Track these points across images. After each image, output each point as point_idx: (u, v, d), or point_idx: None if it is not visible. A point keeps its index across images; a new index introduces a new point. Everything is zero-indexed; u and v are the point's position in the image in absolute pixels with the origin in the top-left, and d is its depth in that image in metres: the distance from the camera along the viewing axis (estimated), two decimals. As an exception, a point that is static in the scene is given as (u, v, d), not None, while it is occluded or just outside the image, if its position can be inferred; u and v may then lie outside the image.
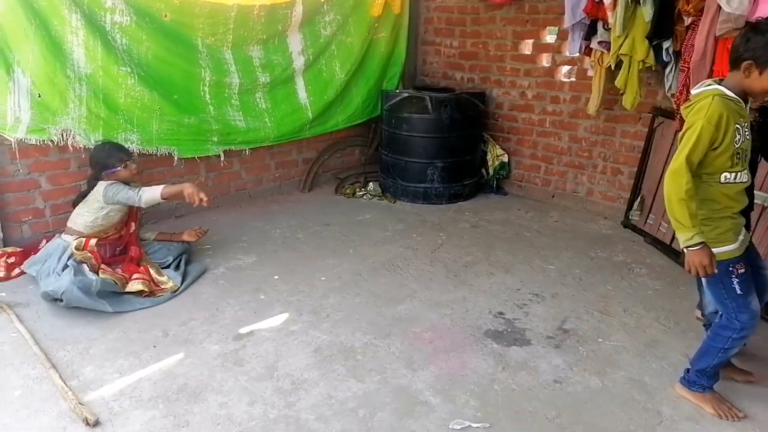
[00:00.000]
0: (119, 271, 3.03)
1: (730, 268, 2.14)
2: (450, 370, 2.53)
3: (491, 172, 5.15)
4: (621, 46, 3.84)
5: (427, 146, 4.76)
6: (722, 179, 2.09)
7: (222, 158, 4.33)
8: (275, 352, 2.62)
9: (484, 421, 2.22)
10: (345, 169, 5.38)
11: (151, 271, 3.12)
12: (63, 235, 3.16)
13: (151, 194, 3.13)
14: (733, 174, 2.09)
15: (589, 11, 4.03)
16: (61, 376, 2.35)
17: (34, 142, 3.38)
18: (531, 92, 4.95)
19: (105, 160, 3.18)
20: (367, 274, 3.46)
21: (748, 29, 2.04)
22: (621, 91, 4.02)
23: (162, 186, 3.18)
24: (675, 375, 2.53)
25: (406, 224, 4.34)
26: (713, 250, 2.06)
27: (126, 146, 3.47)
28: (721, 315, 2.25)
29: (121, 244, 3.21)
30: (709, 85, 2.09)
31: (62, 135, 3.45)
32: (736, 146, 2.04)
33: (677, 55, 3.64)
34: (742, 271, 2.15)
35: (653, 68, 3.88)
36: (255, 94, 4.49)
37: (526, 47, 4.91)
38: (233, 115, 4.36)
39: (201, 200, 3.17)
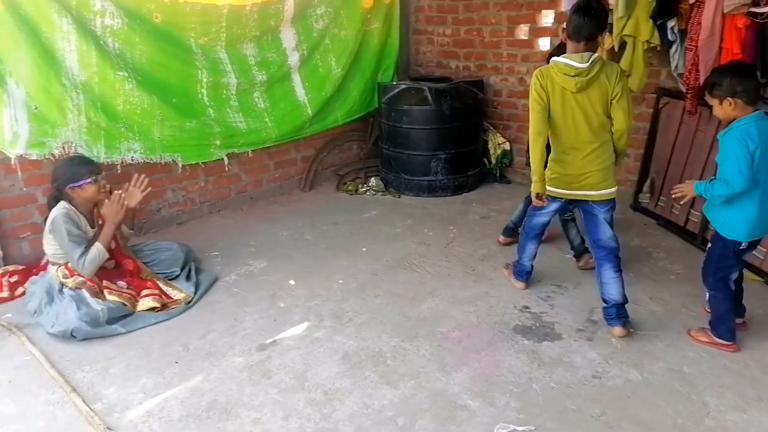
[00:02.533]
0: (125, 288, 2.89)
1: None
2: (485, 371, 2.46)
3: (494, 161, 5.08)
4: (624, 26, 3.78)
5: (429, 138, 4.67)
6: None
7: (226, 162, 4.19)
8: (302, 361, 2.53)
9: (529, 423, 2.15)
10: (344, 165, 5.27)
11: (160, 284, 2.99)
12: (49, 265, 2.95)
13: (94, 260, 2.77)
14: None
15: (590, -7, 3.95)
16: (84, 400, 2.23)
17: (35, 157, 3.22)
18: (530, 78, 4.84)
19: (73, 170, 2.82)
20: (383, 274, 3.37)
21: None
22: (626, 73, 3.95)
23: (97, 242, 2.83)
24: (712, 363, 2.49)
25: (415, 219, 4.26)
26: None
27: (93, 160, 3.13)
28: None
29: (109, 262, 2.96)
30: (591, 54, 2.55)
31: (63, 148, 3.29)
32: None
33: (682, 33, 3.59)
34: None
35: (658, 48, 3.83)
36: (253, 94, 4.36)
37: (522, 32, 4.83)
38: (233, 116, 4.23)
39: (128, 196, 2.94)
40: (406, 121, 4.67)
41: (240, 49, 4.21)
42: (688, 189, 2.53)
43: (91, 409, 2.18)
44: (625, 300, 2.72)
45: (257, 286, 3.22)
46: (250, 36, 4.22)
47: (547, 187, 2.80)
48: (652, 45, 3.80)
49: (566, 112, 2.67)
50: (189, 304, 2.98)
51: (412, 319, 2.88)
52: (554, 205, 2.89)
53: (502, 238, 3.78)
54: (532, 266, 3.15)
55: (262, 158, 4.64)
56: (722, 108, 2.37)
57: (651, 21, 3.65)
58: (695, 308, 2.94)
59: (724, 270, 2.53)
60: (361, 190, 4.89)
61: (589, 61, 2.55)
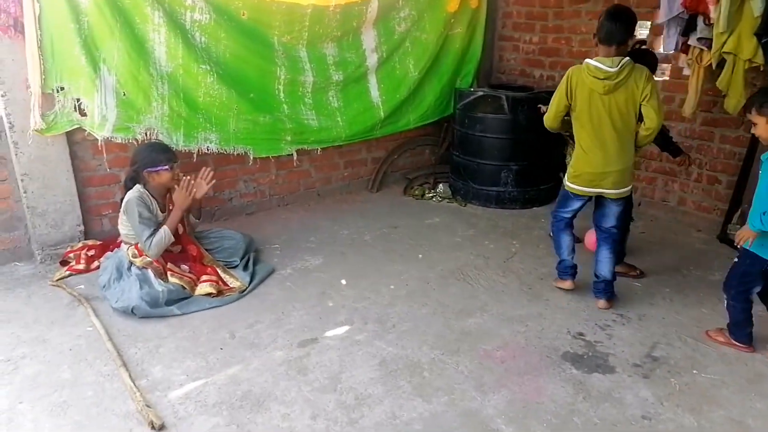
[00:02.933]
0: (188, 272, 3.04)
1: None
2: (524, 396, 2.35)
3: (570, 176, 4.85)
4: (725, 43, 3.46)
5: (501, 148, 4.55)
6: None
7: (295, 157, 4.30)
8: (339, 362, 2.54)
9: (562, 457, 2.03)
10: (414, 170, 5.25)
11: (219, 272, 3.12)
12: (122, 243, 3.16)
13: (160, 242, 2.94)
14: None
15: (689, 5, 3.66)
16: (130, 375, 2.37)
17: (120, 141, 3.46)
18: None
19: (152, 156, 3.00)
20: (435, 283, 3.32)
21: None
22: (723, 93, 3.64)
23: (164, 226, 2.99)
24: (784, 419, 2.24)
25: (477, 230, 4.16)
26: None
27: (171, 147, 3.33)
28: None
29: (175, 247, 3.14)
30: (622, 58, 2.74)
31: (146, 133, 3.51)
32: None
33: (792, 53, 3.24)
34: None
35: (761, 68, 3.49)
36: (328, 93, 4.44)
37: (614, 43, 4.57)
38: (306, 113, 4.33)
39: (193, 186, 3.05)
40: (479, 128, 4.57)
41: (320, 49, 4.30)
42: (747, 233, 2.50)
43: (135, 384, 2.31)
44: (614, 278, 3.07)
45: (309, 282, 3.28)
46: (331, 36, 4.30)
47: (570, 185, 3.03)
48: (754, 64, 3.47)
49: (592, 113, 2.85)
50: (243, 293, 3.08)
51: (456, 332, 2.81)
52: (577, 204, 3.08)
53: None
54: (575, 264, 3.19)
55: (333, 156, 4.72)
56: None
57: (755, 38, 3.33)
58: (774, 356, 2.66)
59: (747, 284, 2.61)
60: (427, 195, 4.85)
61: (619, 66, 2.73)
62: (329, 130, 4.44)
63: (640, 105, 2.80)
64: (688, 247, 3.87)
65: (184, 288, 2.95)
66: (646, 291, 3.27)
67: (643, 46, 3.47)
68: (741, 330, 2.68)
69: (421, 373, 2.48)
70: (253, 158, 4.08)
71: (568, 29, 4.87)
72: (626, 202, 3.08)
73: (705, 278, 3.43)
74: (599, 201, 3.06)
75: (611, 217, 3.03)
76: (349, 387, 2.38)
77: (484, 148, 4.59)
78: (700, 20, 3.69)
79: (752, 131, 2.55)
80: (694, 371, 2.54)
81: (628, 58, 2.77)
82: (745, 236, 2.51)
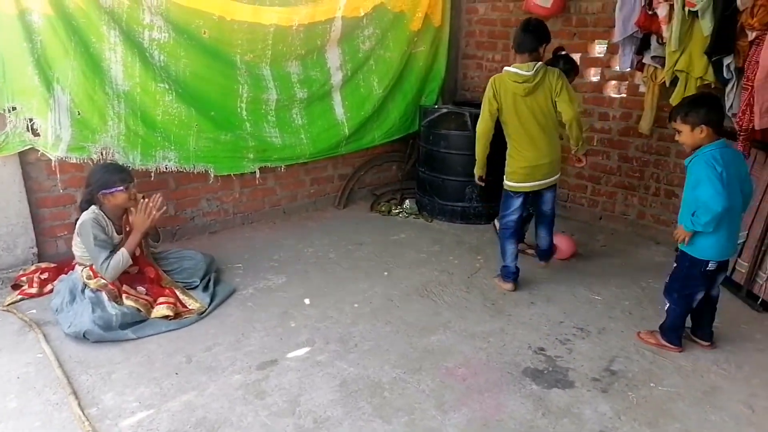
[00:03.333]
0: (144, 294, 2.97)
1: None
2: (484, 414, 2.35)
3: (534, 191, 4.92)
4: (677, 61, 3.59)
5: (465, 164, 4.56)
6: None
7: (258, 175, 4.27)
8: (299, 384, 2.50)
9: (521, 475, 2.03)
10: (381, 186, 5.27)
11: (177, 293, 3.06)
12: (76, 265, 3.08)
13: (117, 265, 2.87)
14: None
15: (642, 24, 3.79)
16: (80, 404, 2.29)
17: (75, 160, 3.38)
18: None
19: (106, 177, 2.93)
20: (399, 300, 3.31)
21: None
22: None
23: (122, 249, 2.93)
24: (736, 428, 2.28)
25: (443, 245, 4.17)
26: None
27: (127, 167, 3.27)
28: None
29: (132, 268, 3.06)
30: (535, 63, 3.11)
31: (102, 153, 3.44)
32: None
33: (739, 71, 3.36)
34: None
35: (712, 86, 3.61)
36: (291, 110, 4.43)
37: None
38: (269, 131, 4.30)
39: (152, 208, 3.00)
40: (444, 145, 4.61)
41: (284, 67, 4.30)
42: (681, 233, 2.66)
43: (84, 413, 2.23)
44: (550, 247, 3.63)
45: (271, 302, 3.23)
46: (295, 54, 4.30)
47: (509, 183, 3.38)
48: (705, 82, 3.59)
49: (519, 114, 3.21)
50: (202, 314, 3.02)
51: (418, 350, 2.80)
52: (518, 201, 3.38)
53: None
54: (517, 267, 3.47)
55: (299, 173, 4.70)
56: (692, 135, 2.57)
57: (706, 57, 3.45)
58: (728, 366, 2.71)
59: (690, 288, 2.71)
60: (394, 211, 4.86)
61: (534, 70, 3.09)
62: (293, 148, 4.42)
63: (554, 102, 3.17)
64: (647, 260, 3.95)
65: (140, 311, 2.88)
66: (605, 304, 3.31)
67: (562, 52, 3.73)
68: (675, 332, 2.80)
69: (381, 393, 2.46)
70: (216, 176, 4.04)
71: (529, 47, 4.96)
72: (556, 188, 3.50)
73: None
74: (536, 193, 3.40)
75: (548, 202, 3.47)
76: (308, 410, 2.34)
77: (448, 164, 4.62)
78: (653, 39, 3.82)
79: (676, 138, 2.68)
80: (651, 384, 2.57)
81: (541, 62, 3.14)
82: (680, 235, 2.66)
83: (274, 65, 4.22)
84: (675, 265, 2.77)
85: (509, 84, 3.17)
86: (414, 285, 3.50)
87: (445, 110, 4.71)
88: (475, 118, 4.50)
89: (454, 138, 4.56)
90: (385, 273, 3.68)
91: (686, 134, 2.58)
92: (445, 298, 3.35)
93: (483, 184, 3.56)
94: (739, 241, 2.90)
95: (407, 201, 4.98)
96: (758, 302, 3.27)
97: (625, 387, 2.55)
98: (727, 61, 3.38)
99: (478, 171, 3.49)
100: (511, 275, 3.45)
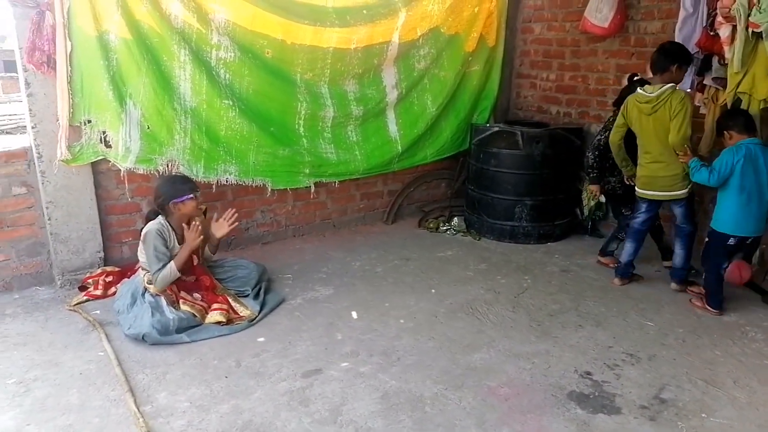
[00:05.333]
0: (200, 300, 3.11)
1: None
2: (525, 435, 2.33)
3: (586, 212, 4.82)
4: (740, 83, 3.47)
5: (516, 183, 4.57)
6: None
7: (312, 189, 4.40)
8: (342, 394, 2.55)
9: (560, 500, 1.99)
10: (430, 202, 5.30)
11: (230, 300, 3.19)
12: (140, 269, 3.25)
13: (165, 277, 3.01)
14: None
15: (703, 45, 3.70)
16: (136, 401, 2.43)
17: (142, 171, 3.60)
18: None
19: (176, 188, 3.10)
20: (443, 316, 3.32)
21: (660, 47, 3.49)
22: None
23: (171, 262, 3.04)
24: (797, 469, 2.16)
25: (490, 264, 4.16)
26: (689, 185, 3.52)
27: (191, 178, 3.46)
28: (688, 229, 3.66)
29: (190, 276, 3.21)
30: (664, 85, 3.37)
31: (167, 165, 3.65)
32: None
33: (807, 94, 3.22)
34: None
35: (777, 108, 3.47)
36: (347, 127, 4.55)
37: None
38: (325, 147, 4.43)
39: (217, 227, 3.31)
40: (494, 163, 4.61)
41: (341, 85, 4.43)
42: (686, 158, 3.37)
43: (139, 411, 2.36)
44: (685, 266, 3.70)
45: (318, 313, 3.31)
46: (352, 73, 4.43)
47: (636, 188, 3.67)
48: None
49: (643, 129, 3.51)
50: (252, 321, 3.14)
51: (461, 367, 2.80)
52: (643, 206, 3.69)
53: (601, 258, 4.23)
54: (633, 266, 3.81)
55: (350, 188, 4.80)
56: (725, 140, 3.28)
57: (769, 79, 3.34)
58: (789, 403, 2.57)
59: (716, 259, 3.34)
60: (441, 228, 4.88)
61: (658, 92, 3.36)
62: (347, 164, 4.53)
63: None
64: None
65: (195, 316, 3.02)
66: (658, 331, 3.21)
67: (636, 77, 3.85)
68: (712, 298, 3.39)
69: (423, 408, 2.48)
70: (272, 190, 4.19)
71: (585, 67, 4.92)
72: (686, 205, 3.59)
73: (720, 319, 3.35)
74: (665, 205, 3.68)
75: (678, 216, 3.64)
76: (350, 420, 2.39)
77: (498, 182, 4.62)
78: (714, 60, 3.72)
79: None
80: (703, 415, 2.47)
81: (669, 84, 3.36)
82: (684, 158, 3.39)
83: (332, 83, 4.36)
84: (706, 241, 3.43)
85: (636, 104, 3.47)
86: (459, 302, 3.51)
87: (496, 129, 4.72)
88: (526, 136, 4.52)
89: (504, 156, 4.56)
90: (432, 290, 3.70)
91: (726, 141, 3.28)
92: (490, 317, 3.34)
93: (630, 183, 3.76)
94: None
95: (455, 218, 4.99)
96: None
97: (674, 416, 2.46)
98: (791, 83, 3.25)
99: (627, 173, 3.77)
100: (620, 272, 3.81)
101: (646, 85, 3.48)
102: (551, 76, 5.23)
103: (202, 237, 3.14)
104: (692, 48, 3.81)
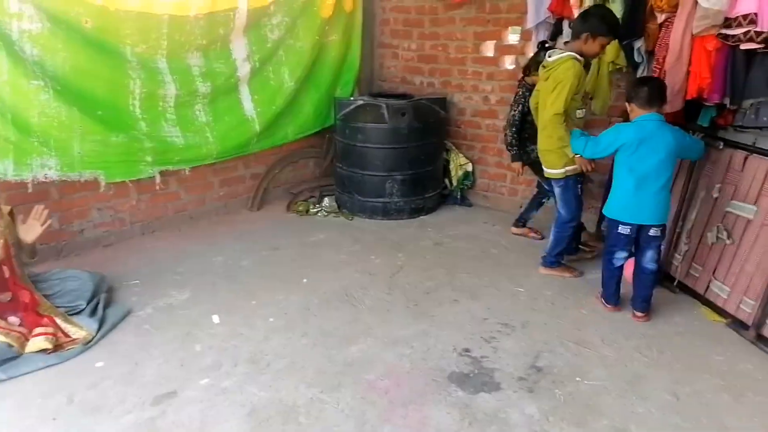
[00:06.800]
0: (17, 325, 2.56)
1: (578, 180, 3.28)
2: (408, 430, 2.17)
3: (455, 182, 4.83)
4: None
5: (384, 158, 4.40)
6: (576, 114, 3.19)
7: (158, 180, 3.88)
8: (201, 418, 2.21)
9: (447, 499, 1.86)
10: (298, 184, 4.99)
11: (57, 321, 2.66)
12: None
13: None
14: (581, 110, 3.23)
15: (554, 9, 3.74)
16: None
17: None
18: (495, 96, 4.65)
19: None
20: (317, 308, 3.08)
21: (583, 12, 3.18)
22: (590, 95, 3.73)
23: None
24: (662, 421, 2.23)
25: (364, 244, 3.97)
26: (570, 167, 3.19)
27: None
28: (560, 215, 3.38)
29: (2, 295, 2.64)
30: (563, 52, 3.05)
31: None
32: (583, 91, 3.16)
33: (650, 54, 3.37)
34: (582, 180, 3.35)
35: (624, 69, 3.61)
36: (194, 107, 4.06)
37: (488, 49, 4.61)
38: (169, 130, 3.91)
39: (28, 228, 2.72)
40: (361, 139, 4.40)
41: (183, 59, 3.90)
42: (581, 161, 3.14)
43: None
44: (551, 253, 3.50)
45: (172, 322, 2.90)
46: (195, 45, 3.92)
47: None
48: (617, 66, 3.59)
49: (537, 98, 3.30)
50: (88, 344, 2.65)
51: (338, 363, 2.58)
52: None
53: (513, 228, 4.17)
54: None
55: (206, 175, 4.34)
56: (629, 112, 2.92)
57: (617, 41, 3.43)
58: (650, 353, 2.68)
59: (611, 247, 2.99)
60: (312, 211, 4.61)
61: (553, 58, 3.08)
62: (198, 148, 4.06)
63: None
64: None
65: (11, 345, 2.47)
66: (528, 296, 3.24)
67: (547, 44, 3.65)
68: (606, 290, 3.07)
69: (296, 419, 2.22)
70: (106, 183, 3.62)
71: (444, 36, 4.85)
72: (561, 188, 3.30)
73: (585, 277, 3.48)
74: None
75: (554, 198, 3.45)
76: (211, 446, 2.07)
77: (367, 158, 4.42)
78: (565, 25, 3.78)
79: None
80: (577, 379, 2.49)
81: (566, 52, 3.06)
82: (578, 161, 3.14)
83: (171, 57, 3.81)
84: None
85: (541, 70, 3.22)
86: (334, 289, 3.28)
87: (361, 102, 4.50)
88: (392, 109, 4.34)
89: (370, 131, 4.36)
90: (304, 279, 3.43)
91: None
92: (366, 302, 3.16)
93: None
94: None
95: (326, 199, 4.74)
96: (675, 283, 3.30)
97: (551, 384, 2.45)
98: (637, 44, 3.39)
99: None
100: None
101: (551, 50, 3.18)
102: (412, 45, 5.10)
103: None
104: (544, 13, 3.85)
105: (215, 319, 2.96)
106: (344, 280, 3.40)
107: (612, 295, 3.05)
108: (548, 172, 3.29)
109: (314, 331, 2.85)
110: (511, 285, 3.38)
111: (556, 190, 3.32)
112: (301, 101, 4.64)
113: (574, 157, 3.13)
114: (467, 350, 2.71)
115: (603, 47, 3.07)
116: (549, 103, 3.05)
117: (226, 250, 3.83)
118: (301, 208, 4.61)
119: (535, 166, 3.76)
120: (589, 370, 2.55)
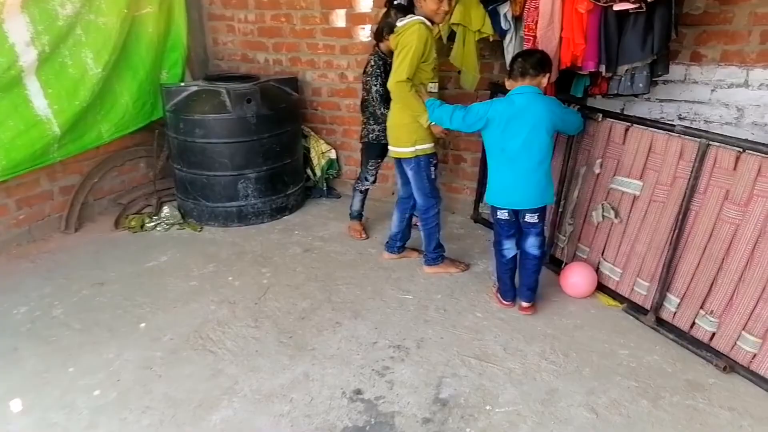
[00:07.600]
0: None
1: (431, 160, 2.91)
2: None
3: (318, 172, 4.28)
4: (452, 14, 3.15)
5: (232, 154, 3.70)
6: (428, 88, 2.84)
7: None
8: None
9: None
10: (129, 192, 4.10)
11: None
12: None
13: None
14: (434, 84, 2.88)
15: (411, -24, 3.27)
16: None
17: None
18: (352, 73, 4.14)
19: None
20: (161, 366, 2.39)
21: None
22: (457, 69, 3.37)
23: None
24: (589, 448, 1.95)
25: (219, 263, 3.29)
26: (421, 146, 2.85)
27: None
28: (418, 205, 3.03)
29: None
30: (411, 17, 2.73)
31: None
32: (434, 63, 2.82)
33: (517, 20, 3.05)
34: (436, 162, 2.97)
35: (490, 38, 3.27)
36: (-41, 112, 3.01)
37: (339, 18, 4.06)
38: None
39: None
40: (200, 133, 3.64)
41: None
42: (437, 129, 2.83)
43: None
44: (394, 238, 3.27)
45: (-56, 427, 2.05)
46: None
47: None
48: (484, 35, 3.23)
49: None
50: None
51: (194, 448, 1.96)
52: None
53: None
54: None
55: (-5, 197, 3.32)
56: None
57: (482, 7, 3.07)
58: (555, 358, 2.42)
59: (497, 236, 2.75)
60: (149, 225, 3.77)
61: (402, 23, 2.75)
62: (-29, 165, 3.04)
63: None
64: (446, 233, 3.54)
65: None
66: (418, 303, 2.85)
67: (395, 2, 3.00)
68: (501, 286, 2.80)
69: None
70: None
71: (286, 4, 4.21)
72: (413, 170, 2.92)
73: (472, 271, 3.17)
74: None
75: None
76: None
77: (209, 156, 3.68)
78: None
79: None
80: (488, 407, 2.14)
81: (414, 17, 2.73)
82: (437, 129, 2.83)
83: None
84: None
85: (431, 32, 2.79)
86: (182, 334, 2.60)
87: (194, 88, 3.74)
88: (234, 95, 3.62)
89: (211, 123, 3.62)
90: (142, 324, 2.69)
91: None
92: (227, 344, 2.53)
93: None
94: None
95: (166, 208, 3.91)
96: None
97: (460, 421, 2.08)
98: (503, 10, 3.04)
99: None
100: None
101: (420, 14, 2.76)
102: (250, 16, 4.39)
103: None
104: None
105: (15, 405, 2.15)
106: (196, 318, 2.73)
107: (508, 291, 2.78)
108: (395, 150, 2.93)
109: (159, 402, 2.17)
110: (396, 292, 2.95)
111: (409, 173, 2.95)
112: (114, 91, 3.72)
113: (428, 132, 2.82)
114: (358, 392, 2.23)
115: (440, 4, 2.71)
116: (392, 70, 2.75)
117: (31, 295, 2.92)
118: (134, 223, 3.75)
119: (368, 147, 3.44)
120: (498, 393, 2.22)
